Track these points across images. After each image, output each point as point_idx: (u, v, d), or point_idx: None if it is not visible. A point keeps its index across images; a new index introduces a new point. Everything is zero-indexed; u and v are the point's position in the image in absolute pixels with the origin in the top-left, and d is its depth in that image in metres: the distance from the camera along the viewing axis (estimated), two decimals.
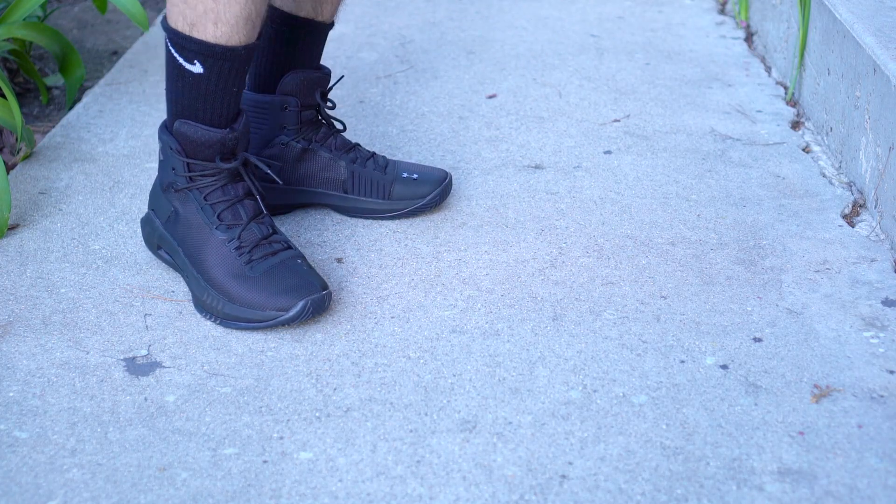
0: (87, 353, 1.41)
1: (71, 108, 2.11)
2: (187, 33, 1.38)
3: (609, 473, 1.21)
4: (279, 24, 1.61)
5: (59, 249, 1.63)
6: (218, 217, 1.47)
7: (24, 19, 2.06)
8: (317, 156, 1.67)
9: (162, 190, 1.50)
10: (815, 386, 1.34)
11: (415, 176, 1.70)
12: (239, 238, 1.46)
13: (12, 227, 1.68)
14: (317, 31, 1.65)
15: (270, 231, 1.49)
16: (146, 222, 1.56)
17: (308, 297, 1.42)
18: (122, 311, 1.49)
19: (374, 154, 1.71)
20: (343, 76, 1.80)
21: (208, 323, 1.46)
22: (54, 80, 2.31)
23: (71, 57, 2.11)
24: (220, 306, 1.44)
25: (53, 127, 2.04)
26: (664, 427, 1.28)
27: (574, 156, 1.92)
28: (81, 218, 1.71)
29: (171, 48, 1.41)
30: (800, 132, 2.01)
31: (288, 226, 1.69)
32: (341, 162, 1.68)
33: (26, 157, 1.89)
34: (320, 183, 1.69)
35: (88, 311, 1.49)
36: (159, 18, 2.54)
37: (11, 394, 1.33)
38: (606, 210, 1.74)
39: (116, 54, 2.47)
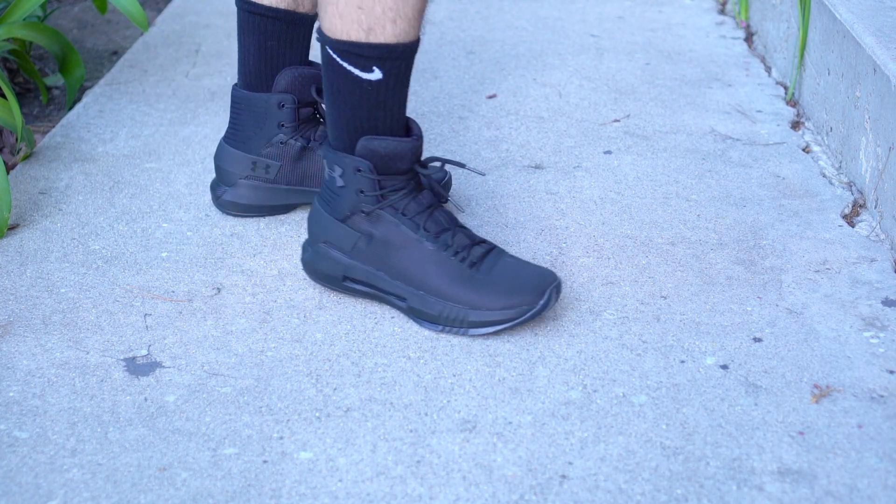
0: (87, 353, 1.41)
1: (71, 108, 2.11)
2: (364, 40, 1.32)
3: (609, 473, 1.21)
4: (266, 19, 1.60)
5: (59, 249, 1.63)
6: (424, 229, 1.42)
7: (24, 19, 2.06)
8: (316, 154, 1.67)
9: (340, 220, 1.43)
10: (815, 386, 1.34)
11: None
12: (452, 244, 1.42)
13: (12, 227, 1.68)
14: (303, 24, 1.63)
15: (468, 229, 1.46)
16: (317, 259, 1.48)
17: (551, 283, 1.40)
18: (122, 311, 1.49)
19: None
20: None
21: (208, 323, 1.46)
22: (54, 80, 2.31)
23: (71, 57, 2.11)
24: (463, 316, 1.40)
25: (53, 127, 2.04)
26: (664, 427, 1.28)
27: (574, 156, 1.92)
28: (81, 218, 1.71)
29: (340, 61, 1.34)
30: (800, 132, 2.01)
31: (288, 226, 1.69)
32: None
33: (26, 157, 1.89)
34: (319, 182, 1.68)
35: (88, 311, 1.49)
36: (159, 18, 2.54)
37: (11, 394, 1.33)
38: (606, 210, 1.74)
39: (116, 54, 2.47)
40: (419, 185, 1.44)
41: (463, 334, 1.42)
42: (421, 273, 1.41)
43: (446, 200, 1.47)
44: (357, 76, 1.35)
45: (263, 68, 1.63)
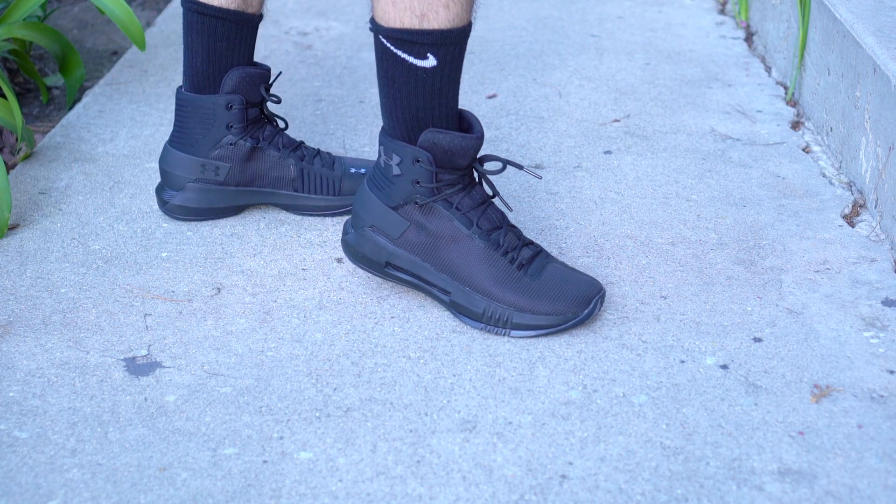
0: (87, 353, 1.41)
1: (71, 108, 2.11)
2: (417, 27, 1.32)
3: (609, 473, 1.21)
4: (215, 20, 1.59)
5: (59, 249, 1.63)
6: (477, 225, 1.42)
7: (24, 19, 2.06)
8: (266, 154, 1.67)
9: (391, 207, 1.43)
10: (815, 386, 1.34)
11: (362, 170, 1.70)
12: (503, 244, 1.43)
13: (12, 227, 1.68)
14: (251, 25, 1.63)
15: (517, 229, 1.46)
16: (361, 242, 1.47)
17: (597, 293, 1.42)
18: (122, 311, 1.49)
19: (319, 151, 1.71)
20: (281, 72, 1.81)
21: (208, 323, 1.46)
22: (54, 80, 2.31)
23: (71, 57, 2.11)
24: (507, 317, 1.41)
25: (53, 127, 2.04)
26: (664, 427, 1.28)
27: (574, 156, 1.92)
28: (81, 218, 1.71)
29: (394, 49, 1.34)
30: (800, 132, 2.01)
31: (288, 226, 1.69)
32: (290, 160, 1.67)
33: (26, 157, 1.89)
34: (269, 182, 1.68)
35: (88, 311, 1.49)
36: (159, 18, 2.54)
37: (11, 394, 1.33)
38: (606, 210, 1.74)
39: (116, 54, 2.47)
40: (473, 180, 1.44)
41: (504, 335, 1.42)
42: (469, 269, 1.42)
43: (494, 196, 1.47)
44: (411, 64, 1.34)
45: (211, 69, 1.62)
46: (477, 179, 1.46)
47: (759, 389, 1.34)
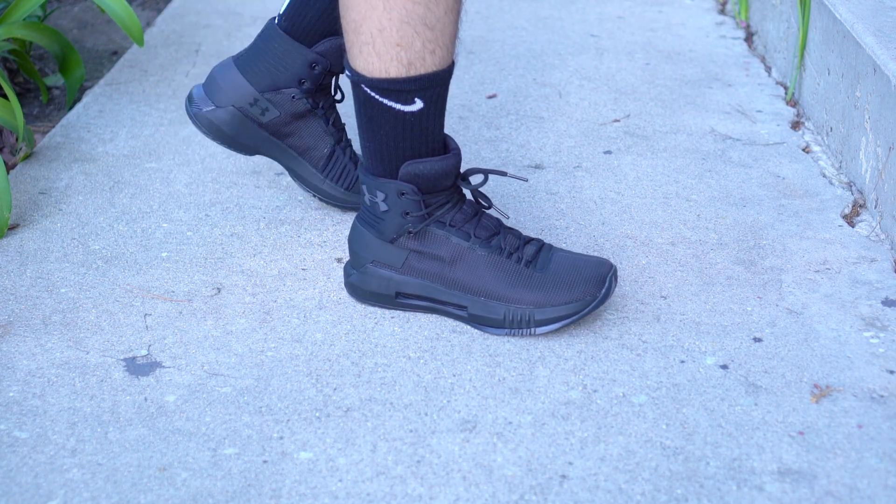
0: (87, 353, 1.41)
1: (71, 108, 2.11)
2: (404, 75, 1.32)
3: (609, 473, 1.21)
4: None
5: (59, 249, 1.63)
6: (475, 236, 1.42)
7: (24, 19, 2.06)
8: (314, 122, 1.66)
9: (388, 242, 1.43)
10: (815, 386, 1.35)
11: None
12: (505, 247, 1.43)
13: (12, 227, 1.68)
14: None
15: (515, 230, 1.47)
16: (366, 279, 1.47)
17: (609, 271, 1.43)
18: (122, 311, 1.49)
19: (351, 145, 1.71)
20: None
21: (208, 323, 1.46)
22: (54, 80, 2.31)
23: (71, 57, 2.11)
24: (529, 316, 1.40)
25: (53, 127, 2.04)
26: (664, 427, 1.28)
27: (574, 156, 1.92)
28: (81, 218, 1.71)
29: (381, 99, 1.34)
30: (800, 132, 2.01)
31: (288, 226, 1.69)
32: (330, 139, 1.67)
33: (26, 157, 1.89)
34: (301, 148, 1.67)
35: (88, 311, 1.49)
36: (159, 18, 2.54)
37: (11, 394, 1.33)
38: (606, 210, 1.74)
39: (116, 54, 2.47)
40: (461, 195, 1.44)
41: (530, 334, 1.42)
42: (479, 280, 1.42)
43: (489, 207, 1.47)
44: (399, 110, 1.35)
45: (317, 28, 1.60)
46: (466, 194, 1.45)
47: (759, 389, 1.34)
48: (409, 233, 1.42)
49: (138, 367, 1.38)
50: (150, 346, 1.42)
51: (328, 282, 1.55)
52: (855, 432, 1.27)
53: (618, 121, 2.05)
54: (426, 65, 1.33)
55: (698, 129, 2.02)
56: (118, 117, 2.05)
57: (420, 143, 1.38)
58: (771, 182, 1.83)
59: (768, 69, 2.30)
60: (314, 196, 1.71)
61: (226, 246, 1.64)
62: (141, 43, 2.00)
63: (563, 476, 1.21)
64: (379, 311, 1.49)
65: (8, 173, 1.78)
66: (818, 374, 1.36)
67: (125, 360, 1.39)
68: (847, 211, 1.74)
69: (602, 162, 1.90)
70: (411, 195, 1.39)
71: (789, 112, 2.09)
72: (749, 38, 2.47)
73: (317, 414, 1.30)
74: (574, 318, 1.41)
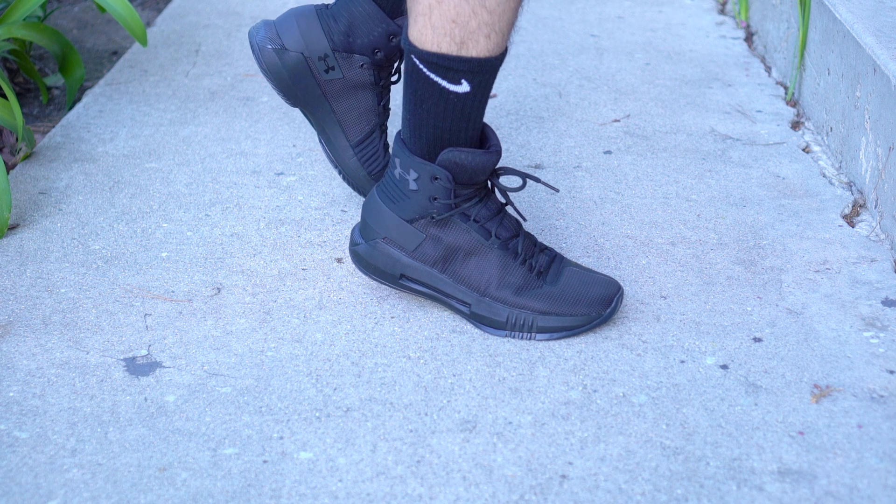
0: (87, 353, 1.41)
1: (71, 108, 2.11)
2: (455, 53, 1.30)
3: (609, 473, 1.21)
4: None
5: (59, 249, 1.63)
6: (496, 236, 1.42)
7: (24, 19, 2.06)
8: (369, 95, 1.64)
9: (407, 220, 1.42)
10: (815, 386, 1.35)
11: None
12: (521, 252, 1.43)
13: (12, 227, 1.68)
14: None
15: (532, 236, 1.47)
16: (373, 253, 1.45)
17: (616, 292, 1.43)
18: (122, 311, 1.49)
19: (386, 133, 1.70)
20: None
21: (208, 323, 1.46)
22: (54, 80, 2.31)
23: (71, 57, 2.11)
24: (532, 321, 1.41)
25: (53, 127, 2.04)
26: (664, 427, 1.28)
27: (574, 156, 1.92)
28: (81, 218, 1.71)
29: (428, 73, 1.32)
30: (800, 132, 2.01)
31: (288, 226, 1.69)
32: (377, 119, 1.65)
33: (26, 157, 1.89)
34: (348, 116, 1.65)
35: (88, 311, 1.49)
36: (159, 18, 2.54)
37: (11, 394, 1.33)
38: (606, 210, 1.74)
39: (116, 54, 2.47)
40: (488, 190, 1.44)
41: (529, 339, 1.42)
42: (488, 280, 1.42)
43: (507, 204, 1.46)
44: (444, 88, 1.33)
45: (403, 6, 1.58)
46: (491, 190, 1.45)
47: (759, 389, 1.34)
48: (432, 217, 1.41)
49: (138, 367, 1.38)
50: (150, 346, 1.42)
51: (328, 282, 1.55)
52: (855, 432, 1.27)
53: (618, 121, 2.05)
54: (479, 48, 1.31)
55: (698, 129, 2.02)
56: (118, 117, 2.05)
57: (460, 127, 1.36)
58: (771, 182, 1.83)
59: (768, 69, 2.30)
60: (336, 169, 1.68)
61: (226, 246, 1.64)
62: (144, 42, 2.00)
63: (563, 476, 1.21)
64: (379, 310, 1.49)
65: (8, 173, 1.78)
66: (818, 374, 1.36)
67: (125, 360, 1.39)
68: (847, 211, 1.74)
69: (602, 162, 1.90)
70: (445, 182, 1.38)
71: (789, 112, 2.09)
72: (749, 38, 2.47)
73: (317, 414, 1.30)
74: (575, 331, 1.42)
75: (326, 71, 1.61)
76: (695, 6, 2.67)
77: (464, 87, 1.33)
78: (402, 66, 1.35)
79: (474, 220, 1.42)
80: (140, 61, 2.30)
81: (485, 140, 1.41)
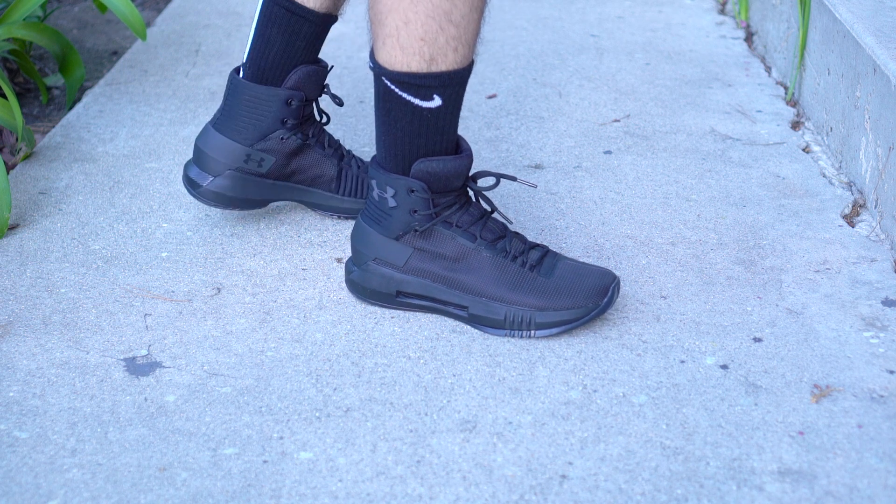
0: (87, 353, 1.41)
1: (71, 108, 2.11)
2: (425, 70, 1.33)
3: (609, 473, 1.21)
4: (302, 20, 1.58)
5: (59, 249, 1.63)
6: (481, 238, 1.43)
7: (24, 19, 2.06)
8: (312, 151, 1.65)
9: (393, 239, 1.43)
10: (815, 386, 1.35)
11: None
12: (510, 250, 1.43)
13: (12, 227, 1.68)
14: (329, 25, 1.62)
15: (521, 234, 1.47)
16: (367, 277, 1.47)
17: (612, 282, 1.43)
18: (122, 311, 1.49)
19: (353, 154, 1.70)
20: (333, 66, 1.80)
21: (208, 323, 1.46)
22: (54, 80, 2.31)
23: (71, 57, 2.11)
24: (530, 318, 1.41)
25: (53, 127, 2.04)
26: (664, 427, 1.28)
27: (574, 156, 1.92)
28: (81, 218, 1.71)
29: (400, 93, 1.34)
30: (800, 132, 2.01)
31: (288, 226, 1.69)
32: (333, 160, 1.66)
33: (26, 157, 1.89)
34: (308, 179, 1.66)
35: (88, 311, 1.49)
36: (159, 18, 2.54)
37: (11, 394, 1.33)
38: (606, 210, 1.74)
39: (116, 54, 2.47)
40: (468, 198, 1.45)
41: (528, 337, 1.42)
42: (482, 281, 1.42)
43: (493, 211, 1.47)
44: (417, 105, 1.35)
45: (282, 63, 1.60)
46: (472, 197, 1.45)
47: (759, 389, 1.34)
48: (415, 231, 1.42)
49: (138, 367, 1.38)
50: (150, 346, 1.42)
51: (328, 282, 1.55)
52: (855, 432, 1.27)
53: (618, 121, 2.05)
54: (448, 61, 1.33)
55: (698, 129, 2.02)
56: (118, 117, 2.05)
57: (435, 141, 1.38)
58: (771, 182, 1.83)
59: (768, 69, 2.30)
60: (338, 217, 1.70)
61: (226, 246, 1.64)
62: (144, 37, 2.00)
63: (563, 476, 1.21)
64: (379, 311, 1.49)
65: (8, 173, 1.78)
66: (818, 374, 1.36)
67: (125, 360, 1.39)
68: (847, 211, 1.74)
69: (602, 162, 1.90)
70: (421, 193, 1.39)
71: (789, 112, 2.09)
72: (749, 38, 2.47)
73: (317, 414, 1.30)
74: (574, 324, 1.41)
75: (259, 165, 1.63)
76: (695, 6, 2.67)
77: (436, 102, 1.35)
78: (374, 88, 1.37)
79: (457, 225, 1.43)
80: (140, 61, 2.30)
81: (457, 148, 1.42)
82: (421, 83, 1.33)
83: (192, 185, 1.64)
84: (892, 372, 1.37)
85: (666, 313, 1.48)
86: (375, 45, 1.35)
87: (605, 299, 1.42)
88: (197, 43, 2.41)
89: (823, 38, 1.97)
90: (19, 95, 2.24)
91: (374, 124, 2.02)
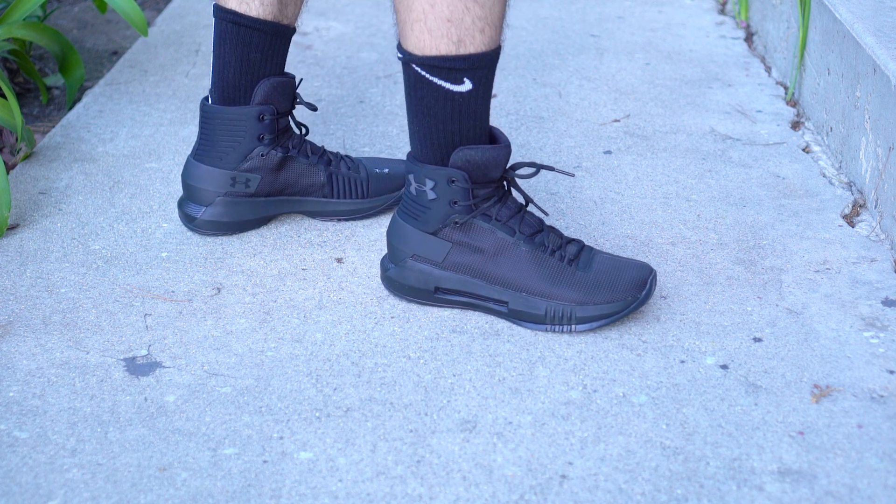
0: (87, 353, 1.41)
1: (71, 108, 2.11)
2: (454, 53, 1.33)
3: (609, 473, 1.21)
4: (250, 31, 1.57)
5: (59, 249, 1.63)
6: (519, 232, 1.43)
7: (24, 19, 2.06)
8: (296, 162, 1.65)
9: (431, 233, 1.44)
10: (815, 386, 1.35)
11: (385, 170, 1.71)
12: (548, 245, 1.44)
13: (12, 227, 1.68)
14: (285, 36, 1.61)
15: (556, 229, 1.48)
16: (405, 274, 1.47)
17: (650, 274, 1.44)
18: (122, 311, 1.49)
19: (341, 155, 1.70)
20: (303, 79, 1.80)
21: (208, 323, 1.46)
22: (54, 80, 2.31)
23: (71, 57, 2.11)
24: (570, 313, 1.41)
25: (53, 127, 2.04)
26: (664, 427, 1.28)
27: (574, 156, 1.92)
28: (81, 218, 1.71)
29: (430, 77, 1.35)
30: (800, 132, 2.01)
31: (288, 226, 1.69)
32: (319, 166, 1.66)
33: (26, 157, 1.89)
34: (300, 190, 1.66)
35: (88, 311, 1.49)
36: (159, 18, 2.54)
37: (11, 394, 1.33)
38: (606, 210, 1.74)
39: (116, 54, 2.47)
40: (506, 191, 1.45)
41: (569, 332, 1.43)
42: (522, 275, 1.42)
43: (528, 203, 1.48)
44: (448, 90, 1.36)
45: (243, 81, 1.60)
46: (507, 189, 1.46)
47: (759, 389, 1.34)
48: (455, 223, 1.43)
49: (138, 367, 1.38)
50: (150, 346, 1.42)
51: (328, 282, 1.55)
52: (855, 432, 1.27)
53: (618, 121, 2.05)
54: (476, 43, 1.34)
55: (698, 129, 2.02)
56: (118, 117, 2.05)
57: (469, 127, 1.39)
58: (771, 182, 1.83)
59: (768, 69, 2.30)
60: (339, 220, 1.70)
61: (226, 246, 1.64)
62: (145, 32, 2.00)
63: (563, 476, 1.21)
64: (379, 310, 1.49)
65: (8, 173, 1.78)
66: (818, 374, 1.36)
67: (125, 360, 1.39)
68: (847, 211, 1.74)
69: (602, 162, 1.90)
70: (461, 183, 1.40)
71: (789, 112, 2.09)
72: (749, 38, 2.47)
73: (317, 414, 1.30)
74: (614, 317, 1.42)
75: (247, 186, 1.63)
76: (695, 6, 2.67)
77: (467, 86, 1.35)
78: (404, 79, 1.38)
79: (496, 219, 1.43)
80: (140, 61, 2.30)
81: (494, 139, 1.43)
82: (451, 66, 1.34)
83: (188, 220, 1.66)
84: (892, 372, 1.37)
85: (666, 313, 1.48)
86: (403, 32, 1.36)
87: (644, 292, 1.42)
88: (197, 43, 2.41)
89: (823, 38, 1.97)
90: (19, 95, 2.24)
91: (373, 124, 2.02)
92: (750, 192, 1.80)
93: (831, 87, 1.92)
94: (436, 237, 1.44)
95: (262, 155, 1.63)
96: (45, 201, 1.76)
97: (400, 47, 1.38)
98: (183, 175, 1.65)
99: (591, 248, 1.47)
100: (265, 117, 1.61)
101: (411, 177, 1.43)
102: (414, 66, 1.36)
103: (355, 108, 2.09)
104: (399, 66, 2.28)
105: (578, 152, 1.93)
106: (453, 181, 1.40)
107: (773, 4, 2.33)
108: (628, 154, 1.93)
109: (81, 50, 2.49)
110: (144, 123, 2.03)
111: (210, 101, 1.63)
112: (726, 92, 2.18)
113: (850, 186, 1.81)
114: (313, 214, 1.69)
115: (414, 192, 1.43)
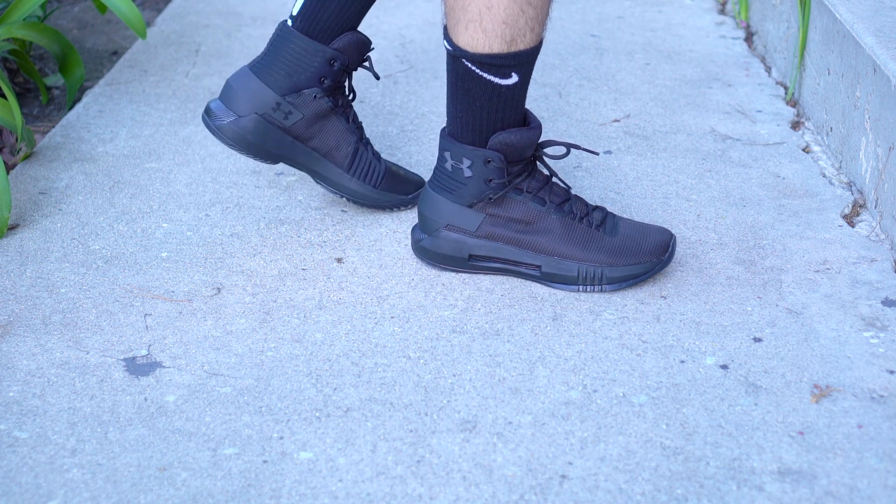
0: (87, 353, 1.41)
1: (71, 108, 2.11)
2: (506, 51, 1.40)
3: (609, 473, 1.21)
4: None
5: (59, 249, 1.63)
6: (549, 201, 1.51)
7: (24, 19, 2.06)
8: (336, 120, 1.65)
9: (467, 206, 1.51)
10: (815, 386, 1.35)
11: (401, 172, 1.71)
12: (575, 212, 1.52)
13: (12, 227, 1.68)
14: None
15: (581, 197, 1.56)
16: (439, 243, 1.54)
17: (671, 238, 1.54)
18: (122, 311, 1.49)
19: (370, 142, 1.71)
20: (374, 47, 1.79)
21: (208, 323, 1.46)
22: (54, 80, 2.31)
23: (71, 57, 2.11)
24: (601, 273, 1.50)
25: (53, 127, 2.04)
26: (664, 427, 1.28)
27: (574, 156, 1.92)
28: (81, 218, 1.71)
29: (482, 73, 1.42)
30: (800, 132, 2.01)
31: (288, 226, 1.69)
32: (353, 136, 1.66)
33: (26, 157, 1.89)
34: (325, 148, 1.66)
35: (88, 311, 1.49)
36: (159, 18, 2.54)
37: (11, 394, 1.33)
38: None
39: (116, 54, 2.47)
40: (534, 165, 1.53)
41: (600, 291, 1.52)
42: (554, 241, 1.51)
43: (552, 176, 1.54)
44: (497, 83, 1.43)
45: (334, 25, 1.61)
46: (533, 162, 1.54)
47: (759, 389, 1.34)
48: (489, 199, 1.50)
49: (138, 367, 1.38)
50: (150, 346, 1.42)
51: (328, 282, 1.55)
52: (855, 432, 1.27)
53: (618, 121, 2.05)
54: (525, 41, 1.40)
55: (698, 129, 2.02)
56: (118, 117, 2.05)
57: (509, 115, 1.46)
58: (771, 182, 1.83)
59: (768, 69, 2.30)
60: (341, 197, 1.70)
61: (226, 246, 1.64)
62: (144, 35, 2.00)
63: (563, 476, 1.21)
64: (379, 310, 1.49)
65: (8, 173, 1.78)
66: (818, 374, 1.36)
67: (125, 360, 1.39)
68: (847, 211, 1.74)
69: (602, 162, 1.90)
70: (498, 163, 1.48)
71: (789, 112, 2.09)
72: (749, 38, 2.47)
73: (317, 414, 1.30)
74: (642, 277, 1.51)
75: (286, 118, 1.62)
76: (695, 6, 2.67)
77: (513, 79, 1.43)
78: (450, 69, 1.41)
79: (527, 191, 1.51)
80: (140, 61, 2.30)
81: (525, 120, 1.50)
82: (502, 63, 1.41)
83: (211, 115, 1.62)
84: (892, 372, 1.37)
85: (666, 313, 1.48)
86: (455, 28, 1.41)
87: (667, 254, 1.52)
88: (197, 43, 2.41)
89: (823, 38, 1.97)
90: (19, 95, 2.24)
91: (373, 124, 2.02)
92: (750, 192, 1.80)
93: (831, 87, 1.92)
94: (471, 209, 1.51)
95: (315, 97, 1.63)
96: (45, 201, 1.76)
97: (450, 41, 1.43)
98: (231, 78, 1.63)
99: (613, 215, 1.56)
100: (335, 63, 1.62)
101: (447, 154, 1.50)
102: (464, 60, 1.42)
103: (355, 107, 2.09)
104: (399, 67, 2.29)
105: (578, 152, 1.93)
106: (490, 161, 1.48)
107: (773, 4, 2.33)
108: (628, 154, 1.93)
109: (81, 50, 2.49)
110: (144, 123, 2.03)
111: (292, 25, 1.62)
112: (726, 92, 2.18)
113: (850, 186, 1.81)
114: (323, 180, 1.68)
115: (450, 168, 1.50)
